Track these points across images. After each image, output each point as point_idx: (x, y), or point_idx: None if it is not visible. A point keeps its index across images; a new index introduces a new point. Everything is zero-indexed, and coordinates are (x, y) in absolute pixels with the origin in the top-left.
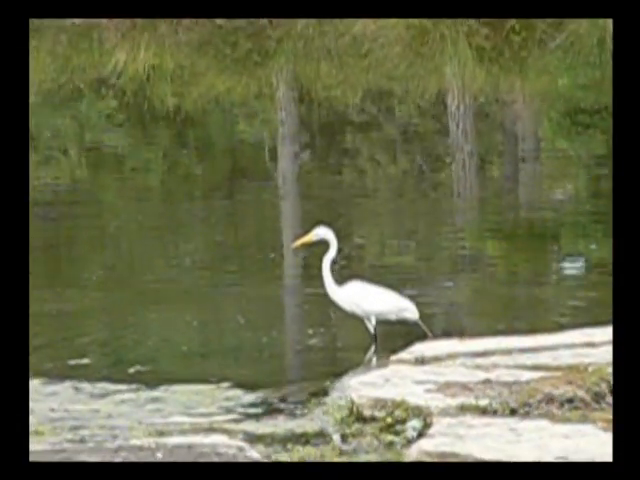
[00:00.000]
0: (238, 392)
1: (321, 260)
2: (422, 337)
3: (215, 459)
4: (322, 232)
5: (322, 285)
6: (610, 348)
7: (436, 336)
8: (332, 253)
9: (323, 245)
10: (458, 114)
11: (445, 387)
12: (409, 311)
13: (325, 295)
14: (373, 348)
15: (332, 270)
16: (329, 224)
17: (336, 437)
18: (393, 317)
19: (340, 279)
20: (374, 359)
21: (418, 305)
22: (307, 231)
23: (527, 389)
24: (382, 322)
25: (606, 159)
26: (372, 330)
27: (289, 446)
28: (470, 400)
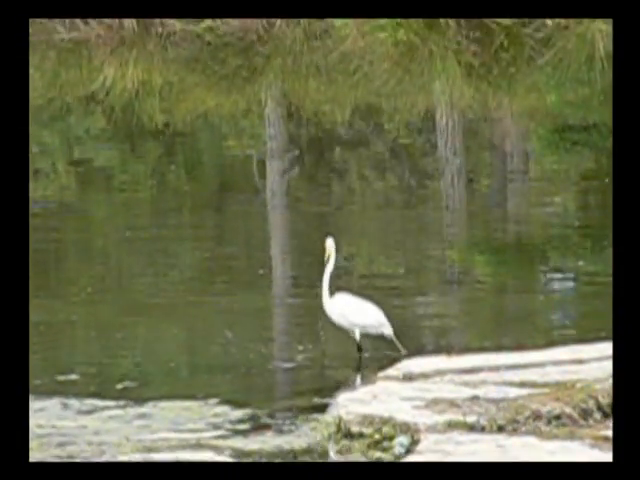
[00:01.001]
0: (226, 408)
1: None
2: (410, 353)
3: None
4: (332, 245)
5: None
6: (598, 365)
7: (423, 351)
8: (332, 265)
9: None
10: (447, 131)
11: (433, 403)
12: (386, 327)
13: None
14: (359, 359)
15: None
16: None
17: (332, 452)
18: (373, 331)
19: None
20: (359, 376)
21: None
22: (312, 242)
23: (515, 406)
24: (364, 336)
25: (594, 175)
26: (357, 340)
27: (276, 462)
28: (458, 417)
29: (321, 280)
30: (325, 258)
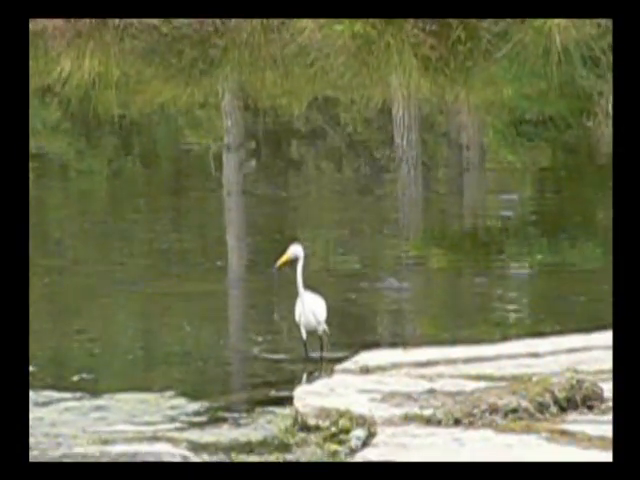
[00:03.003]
0: (182, 401)
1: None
2: (368, 346)
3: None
4: (297, 250)
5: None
6: (554, 358)
7: (379, 343)
8: (302, 264)
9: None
10: (403, 124)
11: (389, 397)
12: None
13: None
14: (307, 356)
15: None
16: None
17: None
18: (321, 327)
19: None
20: (318, 369)
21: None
22: (282, 251)
23: (471, 399)
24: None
25: (550, 169)
26: (321, 331)
27: (233, 455)
28: (414, 410)
29: (273, 270)
30: (279, 262)
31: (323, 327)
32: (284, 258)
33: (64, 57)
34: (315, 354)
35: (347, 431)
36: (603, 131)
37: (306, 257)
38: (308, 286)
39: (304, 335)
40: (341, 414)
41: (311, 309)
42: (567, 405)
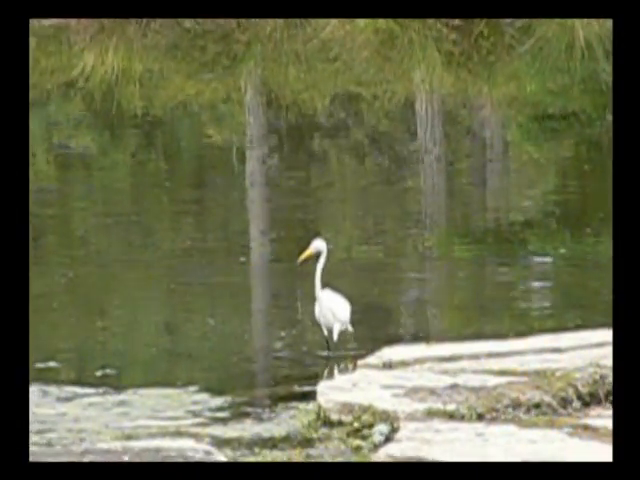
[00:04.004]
0: (205, 396)
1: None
2: (391, 341)
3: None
4: (321, 245)
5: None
6: (577, 353)
7: (402, 338)
8: (323, 260)
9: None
10: (426, 119)
11: (412, 392)
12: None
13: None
14: (329, 354)
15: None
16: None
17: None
18: (343, 327)
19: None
20: (341, 364)
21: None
22: (305, 245)
23: (494, 394)
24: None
25: (573, 164)
26: (335, 337)
27: (256, 450)
28: (437, 405)
29: (296, 265)
30: (302, 257)
31: (347, 327)
32: (307, 253)
33: (87, 52)
34: (340, 350)
35: (370, 426)
36: None
37: (329, 252)
38: (332, 281)
39: (325, 331)
40: (364, 409)
41: (329, 307)
42: (590, 400)
